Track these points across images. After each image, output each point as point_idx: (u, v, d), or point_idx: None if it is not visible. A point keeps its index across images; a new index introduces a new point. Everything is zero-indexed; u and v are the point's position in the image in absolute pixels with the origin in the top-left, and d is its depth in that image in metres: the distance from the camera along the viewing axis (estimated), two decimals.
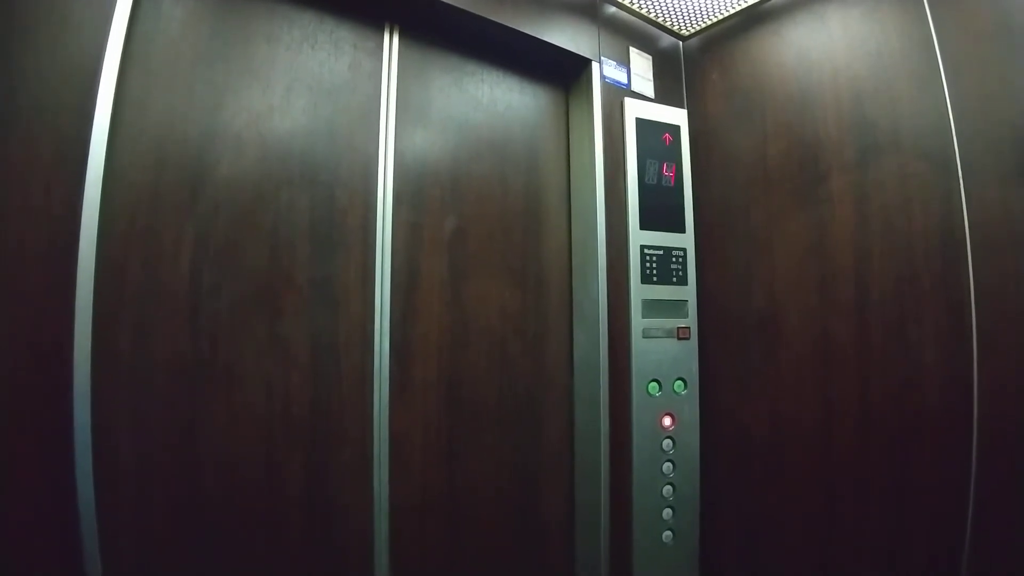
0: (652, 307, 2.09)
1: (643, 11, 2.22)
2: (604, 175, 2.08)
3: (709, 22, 2.27)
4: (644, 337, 2.06)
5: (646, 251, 2.09)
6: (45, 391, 1.24)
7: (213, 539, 1.47)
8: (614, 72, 2.16)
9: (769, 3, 2.13)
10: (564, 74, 2.22)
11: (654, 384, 2.06)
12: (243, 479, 1.51)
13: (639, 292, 2.06)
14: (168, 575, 1.41)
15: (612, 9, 2.21)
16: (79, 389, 1.25)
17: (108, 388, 1.32)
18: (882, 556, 1.73)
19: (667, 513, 2.05)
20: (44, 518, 1.23)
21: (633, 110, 2.15)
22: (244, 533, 1.51)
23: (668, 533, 2.05)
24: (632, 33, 2.26)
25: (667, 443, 2.06)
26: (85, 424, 1.25)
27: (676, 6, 2.19)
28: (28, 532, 1.21)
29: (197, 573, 1.44)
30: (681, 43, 2.40)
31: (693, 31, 2.33)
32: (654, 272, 2.10)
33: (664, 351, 2.09)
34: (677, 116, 2.25)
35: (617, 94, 2.16)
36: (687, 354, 2.14)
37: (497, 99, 2.08)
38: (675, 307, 2.13)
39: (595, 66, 2.12)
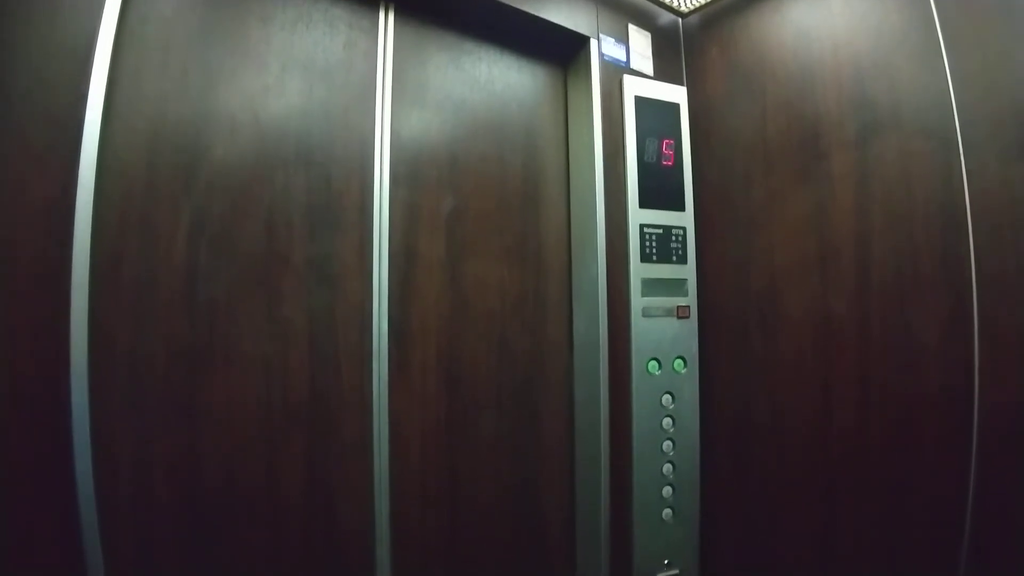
0: (651, 286, 2.08)
1: None
2: (603, 154, 2.06)
3: None
4: (644, 316, 2.06)
5: (645, 230, 2.08)
6: (42, 377, 1.24)
7: (214, 521, 1.48)
8: (613, 50, 2.14)
9: None
10: (562, 52, 2.19)
11: (654, 363, 2.06)
12: (243, 461, 1.52)
13: (638, 271, 2.06)
14: (169, 558, 1.42)
15: None
16: (76, 374, 1.25)
17: (105, 372, 1.32)
18: (881, 537, 1.73)
19: (667, 491, 2.06)
20: (43, 505, 1.24)
21: (632, 88, 2.13)
22: (245, 515, 1.52)
23: (668, 511, 2.06)
24: (631, 10, 2.24)
25: (667, 422, 2.07)
26: (83, 409, 1.26)
27: None
28: (27, 520, 1.22)
29: (198, 555, 1.46)
30: (680, 20, 2.37)
31: (692, 8, 2.30)
32: (654, 251, 2.09)
33: (664, 330, 2.09)
34: (676, 94, 2.23)
35: (616, 72, 2.14)
36: (687, 333, 2.14)
37: (495, 78, 2.07)
38: (675, 286, 2.13)
39: (593, 44, 2.10)
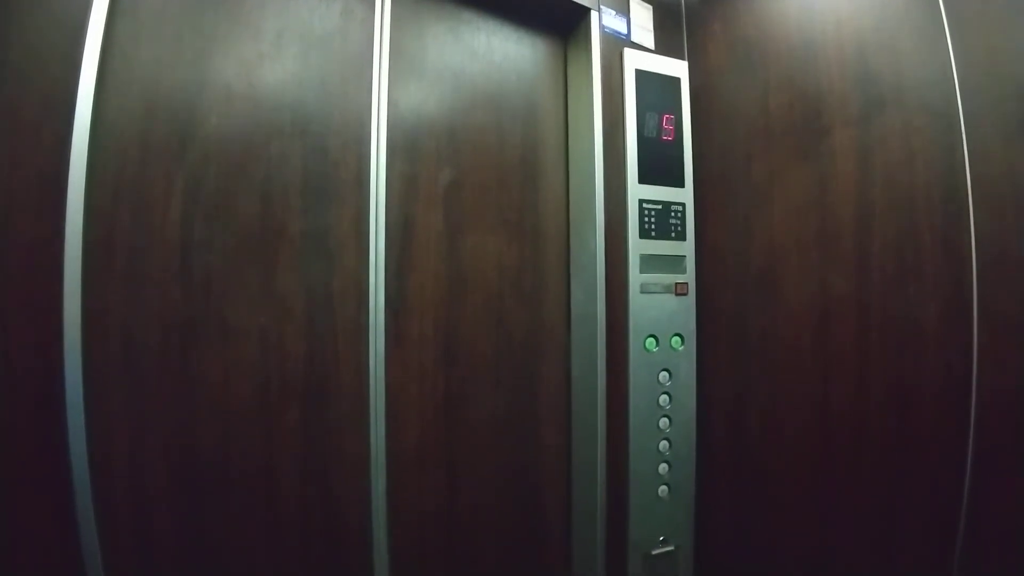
0: (650, 262, 2.07)
1: None
2: (603, 127, 2.03)
3: None
4: (642, 292, 2.05)
5: (644, 205, 2.07)
6: (34, 352, 1.23)
7: (209, 495, 1.48)
8: (613, 22, 2.11)
9: None
10: (562, 23, 2.16)
11: (651, 340, 2.05)
12: (238, 435, 1.52)
13: (637, 247, 2.04)
14: (165, 533, 1.42)
15: None
16: (69, 348, 1.25)
17: (99, 346, 1.32)
18: (878, 515, 1.74)
19: (663, 468, 2.06)
20: (37, 483, 1.24)
21: (633, 61, 2.10)
22: (241, 489, 1.52)
23: (664, 488, 2.06)
24: None
25: (664, 399, 2.07)
26: (76, 384, 1.25)
27: None
28: (21, 499, 1.22)
29: (194, 529, 1.46)
30: None
31: None
32: (652, 227, 2.08)
33: (661, 307, 2.08)
34: (678, 68, 2.20)
35: (616, 45, 2.11)
36: (685, 310, 2.13)
37: (494, 49, 2.03)
38: (673, 262, 2.12)
39: (594, 15, 2.07)
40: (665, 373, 2.07)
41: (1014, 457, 1.49)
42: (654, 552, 2.04)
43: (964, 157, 1.58)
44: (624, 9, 2.15)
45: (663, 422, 2.06)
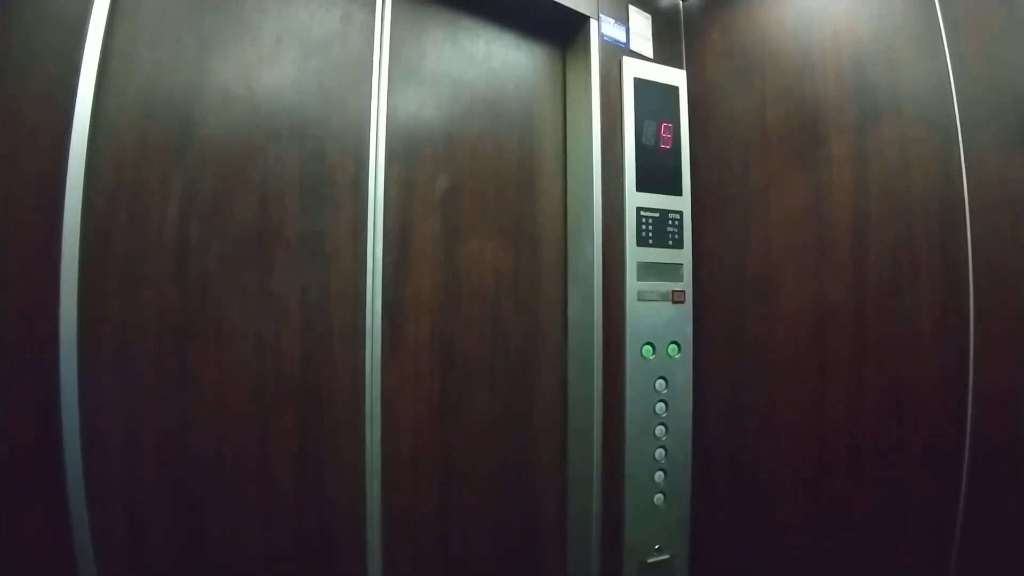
0: (647, 270, 2.07)
1: None
2: (601, 135, 2.04)
3: None
4: (639, 300, 2.05)
5: (642, 213, 2.07)
6: (30, 352, 1.23)
7: (203, 498, 1.47)
8: (612, 30, 2.12)
9: None
10: (561, 31, 2.17)
11: (648, 347, 2.05)
12: (233, 438, 1.51)
13: (634, 255, 2.04)
14: (158, 536, 1.41)
15: None
16: (65, 348, 1.24)
17: (95, 347, 1.31)
18: (873, 524, 1.73)
19: (659, 476, 2.06)
20: (32, 483, 1.24)
21: (631, 70, 2.11)
22: (236, 490, 1.51)
23: (660, 496, 2.06)
24: None
25: (660, 407, 2.06)
26: (72, 385, 1.25)
27: None
28: (15, 500, 1.22)
29: (187, 531, 1.45)
30: (681, 2, 2.35)
31: None
32: (650, 235, 2.08)
33: (658, 314, 2.08)
34: (676, 77, 2.21)
35: (615, 53, 2.12)
36: (681, 318, 2.13)
37: (493, 56, 2.04)
38: (670, 270, 2.12)
39: (593, 24, 2.08)
40: (662, 381, 2.07)
41: (1010, 462, 1.49)
42: (650, 560, 2.04)
43: (961, 166, 1.59)
44: (623, 18, 2.16)
45: (659, 430, 2.06)
